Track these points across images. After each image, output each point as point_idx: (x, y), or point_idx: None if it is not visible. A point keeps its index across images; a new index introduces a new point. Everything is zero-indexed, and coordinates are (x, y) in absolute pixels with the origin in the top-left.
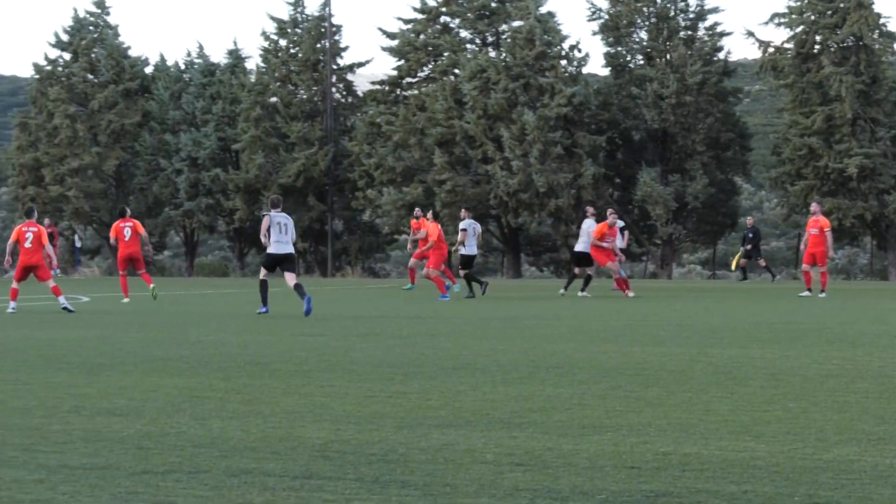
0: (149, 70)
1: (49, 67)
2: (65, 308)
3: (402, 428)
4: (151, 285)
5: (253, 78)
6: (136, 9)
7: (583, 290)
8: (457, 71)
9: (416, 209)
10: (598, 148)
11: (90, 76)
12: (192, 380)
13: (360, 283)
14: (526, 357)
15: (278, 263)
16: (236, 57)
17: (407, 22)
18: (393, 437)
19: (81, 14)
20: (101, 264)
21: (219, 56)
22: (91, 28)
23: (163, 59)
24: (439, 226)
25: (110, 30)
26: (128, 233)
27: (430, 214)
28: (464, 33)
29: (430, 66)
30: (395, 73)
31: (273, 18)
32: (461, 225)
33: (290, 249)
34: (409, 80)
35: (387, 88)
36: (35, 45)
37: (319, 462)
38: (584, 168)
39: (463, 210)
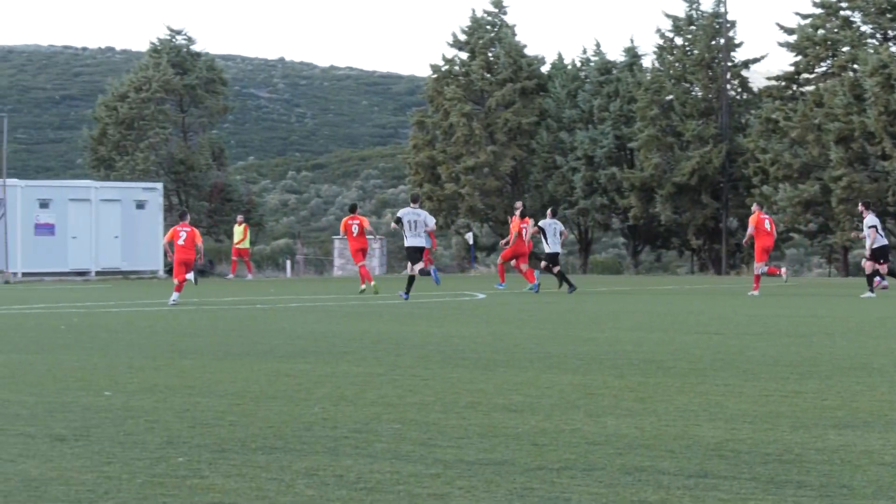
0: (545, 68)
1: (446, 67)
2: (173, 303)
3: (797, 428)
4: (373, 282)
5: (648, 76)
6: (533, 7)
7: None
8: (856, 66)
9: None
10: None
11: (487, 75)
12: (587, 377)
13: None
14: None
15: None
16: (632, 55)
17: (805, 17)
18: (789, 437)
19: (479, 14)
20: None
21: (615, 54)
22: (489, 27)
23: (559, 58)
24: (527, 222)
25: (508, 29)
26: (355, 229)
27: (517, 211)
28: (865, 28)
29: (829, 62)
30: (791, 68)
31: (668, 16)
32: (540, 223)
33: (420, 242)
34: (806, 75)
35: (783, 84)
36: (432, 45)
37: (714, 461)
38: None
39: (548, 210)
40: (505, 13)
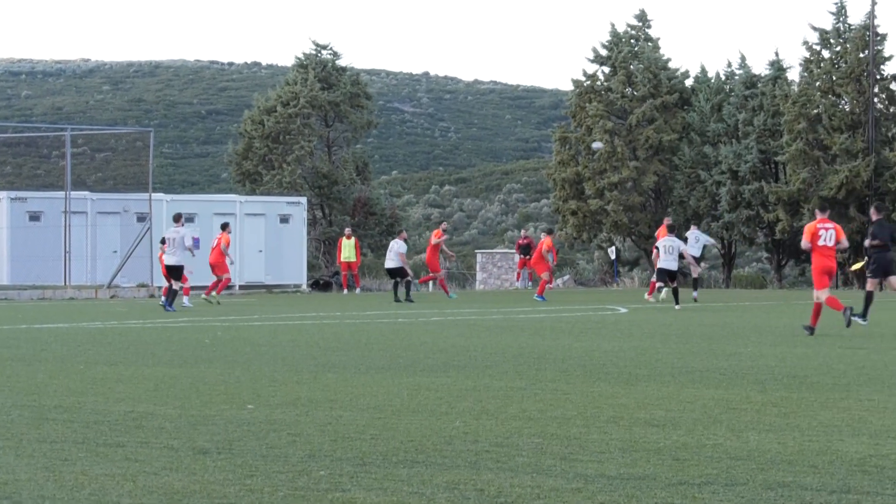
0: (689, 82)
1: (588, 82)
2: (185, 306)
3: None
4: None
5: (795, 89)
6: (677, 21)
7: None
8: None
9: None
10: None
11: (628, 90)
12: (729, 392)
13: None
14: None
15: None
16: (777, 68)
17: None
18: None
19: (621, 28)
20: (641, 275)
21: (760, 67)
22: (632, 41)
23: (703, 71)
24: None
25: (650, 43)
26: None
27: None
28: None
29: None
30: None
31: (815, 29)
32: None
33: (175, 260)
34: None
35: None
36: (577, 59)
37: (857, 476)
38: None
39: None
40: (649, 27)
